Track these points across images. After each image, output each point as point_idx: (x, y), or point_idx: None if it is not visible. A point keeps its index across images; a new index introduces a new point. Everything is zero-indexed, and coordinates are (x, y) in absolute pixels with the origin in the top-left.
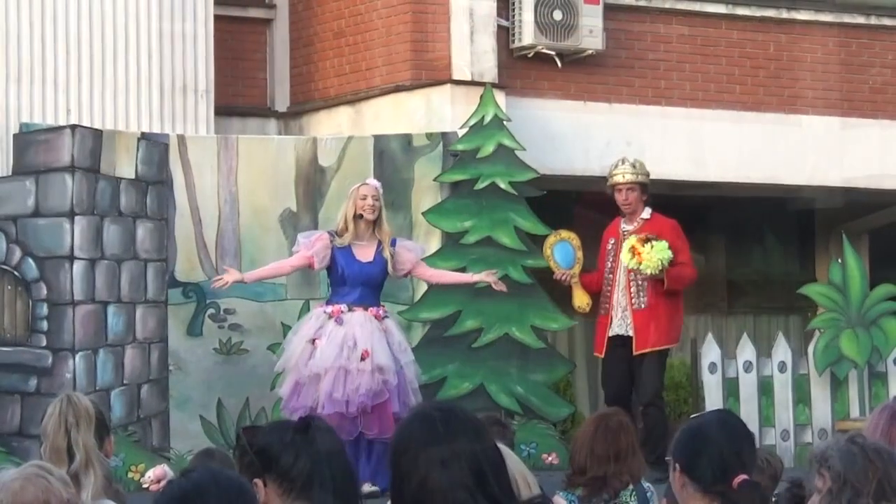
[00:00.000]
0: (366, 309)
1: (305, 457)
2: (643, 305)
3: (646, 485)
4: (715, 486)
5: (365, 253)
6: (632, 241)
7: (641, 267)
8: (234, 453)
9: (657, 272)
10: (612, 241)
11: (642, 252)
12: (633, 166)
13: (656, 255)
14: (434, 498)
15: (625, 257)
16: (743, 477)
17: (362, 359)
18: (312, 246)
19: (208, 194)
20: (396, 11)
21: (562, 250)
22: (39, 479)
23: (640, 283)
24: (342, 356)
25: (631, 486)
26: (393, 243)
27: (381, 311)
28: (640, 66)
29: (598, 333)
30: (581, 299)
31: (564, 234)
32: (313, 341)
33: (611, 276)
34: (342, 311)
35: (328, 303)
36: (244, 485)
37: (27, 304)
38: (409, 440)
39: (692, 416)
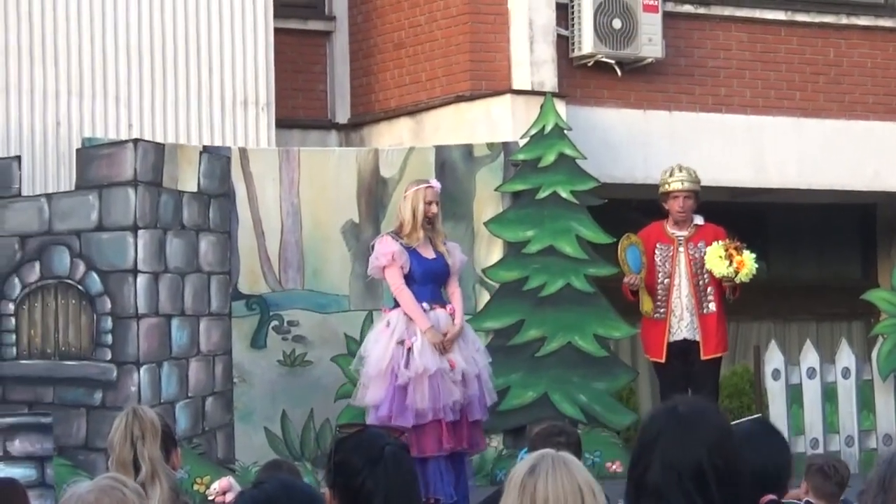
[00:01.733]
0: (442, 307)
1: (370, 484)
2: (711, 310)
3: None
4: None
5: (427, 251)
6: (719, 249)
7: (740, 275)
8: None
9: (748, 280)
10: (663, 246)
11: (743, 260)
12: (690, 174)
13: (750, 263)
14: (648, 491)
15: (716, 264)
16: (770, 497)
17: (451, 368)
18: (396, 258)
19: (271, 207)
20: (456, 22)
21: (631, 254)
22: (114, 492)
23: (703, 287)
24: (439, 359)
25: None
26: (444, 242)
27: (452, 309)
28: (699, 74)
29: (652, 337)
30: (649, 304)
31: (634, 238)
32: (402, 342)
33: (667, 280)
34: (425, 310)
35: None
36: (315, 495)
37: (91, 318)
38: (648, 428)
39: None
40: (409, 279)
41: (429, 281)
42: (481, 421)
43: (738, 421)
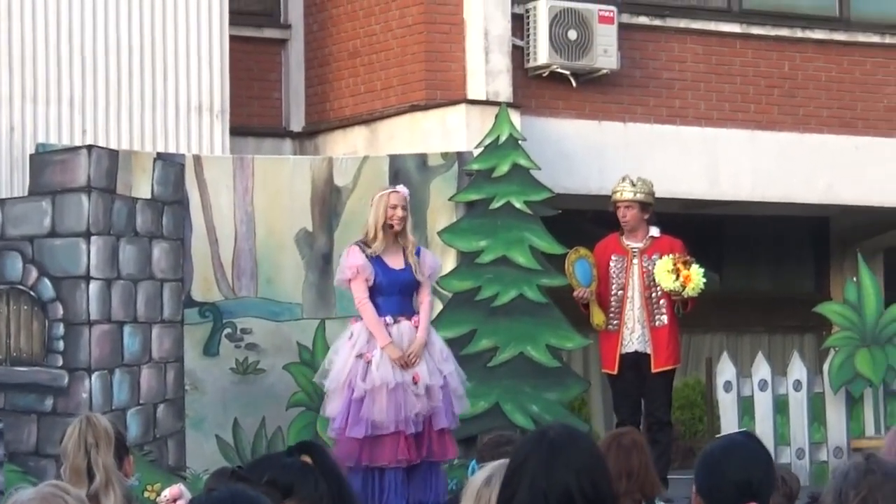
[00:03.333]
0: (409, 319)
1: (324, 479)
2: (663, 322)
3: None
4: None
5: (395, 261)
6: (668, 263)
7: (687, 290)
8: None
9: (695, 294)
10: (618, 258)
11: (690, 275)
12: (633, 184)
13: (697, 278)
14: None
15: (664, 278)
16: None
17: (414, 382)
18: (361, 271)
19: (224, 214)
20: (411, 32)
21: (581, 267)
22: (56, 499)
23: (655, 300)
24: (399, 373)
25: None
26: (417, 252)
27: (417, 321)
28: (654, 86)
29: (606, 350)
30: (599, 317)
31: (583, 251)
32: (361, 356)
33: (621, 292)
34: (388, 324)
35: None
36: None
37: (43, 324)
38: (517, 454)
39: (717, 436)
40: (375, 290)
41: (395, 292)
42: (448, 429)
43: (724, 433)
